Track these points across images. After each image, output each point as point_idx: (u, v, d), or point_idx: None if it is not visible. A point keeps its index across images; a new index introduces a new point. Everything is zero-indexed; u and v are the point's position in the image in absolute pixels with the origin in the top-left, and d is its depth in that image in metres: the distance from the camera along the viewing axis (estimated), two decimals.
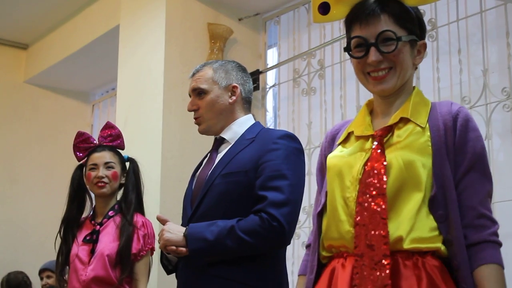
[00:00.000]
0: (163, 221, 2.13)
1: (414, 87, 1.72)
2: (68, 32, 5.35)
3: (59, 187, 5.53)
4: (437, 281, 1.48)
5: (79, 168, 2.96)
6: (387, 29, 1.59)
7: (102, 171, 2.84)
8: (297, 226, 3.91)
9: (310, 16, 4.22)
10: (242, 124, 2.22)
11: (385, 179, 1.53)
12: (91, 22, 5.07)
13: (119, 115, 4.39)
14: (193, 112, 2.28)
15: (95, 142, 2.93)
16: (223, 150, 2.21)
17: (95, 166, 2.86)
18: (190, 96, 2.29)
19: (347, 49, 1.67)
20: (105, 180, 2.84)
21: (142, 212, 2.89)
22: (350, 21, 1.66)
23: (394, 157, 1.56)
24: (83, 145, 2.92)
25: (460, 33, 3.40)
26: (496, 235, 1.54)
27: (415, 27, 1.65)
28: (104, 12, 4.93)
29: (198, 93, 2.24)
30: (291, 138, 2.13)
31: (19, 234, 5.40)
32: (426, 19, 3.51)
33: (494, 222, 1.55)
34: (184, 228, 2.06)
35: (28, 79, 5.75)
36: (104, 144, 2.92)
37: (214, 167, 2.16)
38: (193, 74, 2.28)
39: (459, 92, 3.32)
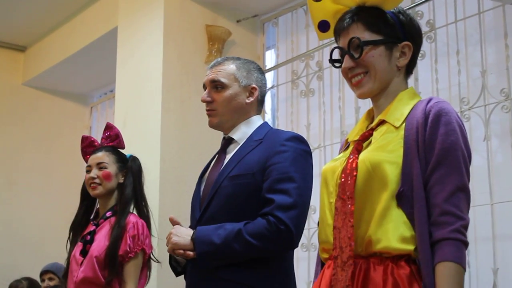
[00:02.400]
0: (174, 223, 2.13)
1: (410, 88, 1.75)
2: (66, 34, 5.34)
3: (57, 189, 5.55)
4: (401, 286, 1.49)
5: None
6: (354, 36, 1.68)
7: (93, 172, 2.84)
8: None
9: (308, 18, 4.22)
10: (250, 124, 2.21)
11: (353, 182, 1.58)
12: (89, 24, 5.07)
13: (118, 117, 4.39)
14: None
15: (98, 144, 2.95)
16: (232, 151, 2.20)
17: (89, 168, 2.87)
18: (204, 86, 2.26)
19: (330, 60, 1.78)
20: (97, 181, 2.83)
21: (140, 210, 2.87)
22: (334, 34, 1.77)
23: (362, 160, 1.60)
24: (89, 149, 2.95)
25: (458, 34, 3.40)
26: (459, 231, 1.48)
27: (392, 30, 1.69)
28: (102, 14, 4.93)
29: (215, 85, 2.21)
30: (299, 140, 2.12)
31: (16, 236, 5.38)
32: (424, 20, 3.51)
33: (459, 218, 1.50)
34: (192, 231, 2.05)
35: (26, 81, 5.75)
36: (105, 145, 2.93)
37: (223, 168, 2.15)
38: (213, 66, 2.25)
39: (458, 93, 3.32)
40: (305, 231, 3.91)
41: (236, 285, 1.99)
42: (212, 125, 2.24)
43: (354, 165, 1.61)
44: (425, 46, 3.50)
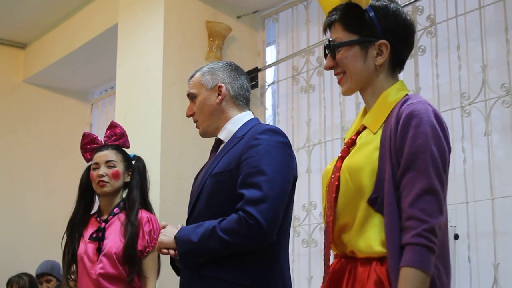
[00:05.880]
0: (163, 227, 2.15)
1: (397, 83, 1.72)
2: (66, 31, 5.34)
3: (58, 186, 5.55)
4: (384, 282, 1.52)
5: (88, 170, 2.97)
6: (330, 37, 1.72)
7: (102, 170, 2.85)
8: (297, 223, 3.92)
9: (308, 13, 4.22)
10: (236, 122, 2.21)
11: (333, 192, 1.62)
12: (90, 20, 5.06)
13: (118, 114, 4.39)
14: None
15: (101, 142, 2.95)
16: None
17: (97, 165, 2.88)
18: None
19: (325, 55, 1.79)
20: (105, 178, 2.84)
21: (147, 209, 2.90)
22: (323, 31, 1.79)
23: (342, 169, 1.64)
24: (90, 146, 2.95)
25: (458, 29, 3.40)
26: (421, 235, 1.48)
27: (369, 29, 1.68)
28: (103, 10, 4.93)
29: (191, 98, 2.28)
30: (273, 132, 2.10)
31: (18, 233, 5.39)
32: (424, 15, 3.50)
33: (422, 222, 1.48)
34: (177, 231, 2.08)
35: (27, 79, 5.75)
36: (109, 143, 2.93)
37: (208, 167, 2.18)
38: (188, 81, 2.32)
39: (458, 89, 3.32)
40: (305, 227, 3.92)
41: (218, 281, 2.01)
42: (200, 135, 2.29)
43: (337, 174, 1.64)
44: (426, 41, 3.49)
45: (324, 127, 3.98)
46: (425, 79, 3.46)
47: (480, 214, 3.16)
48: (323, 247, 1.71)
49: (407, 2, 3.47)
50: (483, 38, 3.29)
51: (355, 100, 3.76)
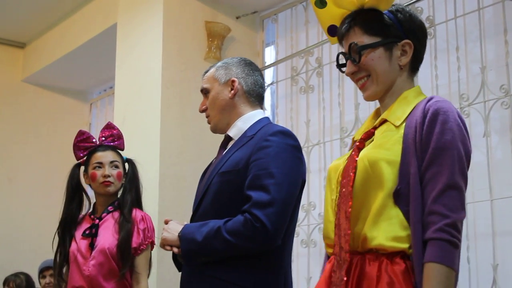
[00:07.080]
0: (166, 222, 2.14)
1: (415, 87, 1.77)
2: (65, 31, 5.34)
3: (57, 186, 5.50)
4: (397, 284, 1.51)
5: (77, 168, 2.96)
6: (352, 41, 1.71)
7: (108, 170, 2.85)
8: (296, 224, 3.91)
9: (307, 14, 4.22)
10: (247, 120, 2.19)
11: (351, 180, 1.60)
12: (89, 20, 5.06)
13: (117, 114, 4.39)
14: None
15: (95, 141, 2.94)
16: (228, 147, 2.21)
17: (100, 165, 2.86)
18: None
19: (337, 66, 1.80)
20: (111, 179, 2.85)
21: (140, 209, 2.91)
22: (338, 40, 1.79)
23: (361, 158, 1.62)
24: (83, 144, 2.93)
25: (458, 30, 3.40)
26: (443, 230, 1.49)
27: (391, 30, 1.70)
28: (102, 10, 4.92)
29: (204, 93, 2.26)
30: (284, 134, 2.08)
31: (16, 233, 5.39)
32: (423, 16, 3.50)
33: (444, 217, 1.50)
34: (181, 228, 2.07)
35: (26, 78, 5.74)
36: (105, 144, 2.93)
37: (215, 165, 2.16)
38: (202, 77, 2.31)
39: (457, 90, 3.32)
40: (304, 228, 3.92)
41: (220, 282, 2.00)
42: (211, 130, 2.28)
43: (353, 163, 1.62)
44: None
45: (323, 128, 3.99)
46: (424, 80, 3.45)
47: (479, 215, 3.17)
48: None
49: (407, 3, 3.47)
50: (482, 40, 3.30)
51: (354, 101, 3.77)
